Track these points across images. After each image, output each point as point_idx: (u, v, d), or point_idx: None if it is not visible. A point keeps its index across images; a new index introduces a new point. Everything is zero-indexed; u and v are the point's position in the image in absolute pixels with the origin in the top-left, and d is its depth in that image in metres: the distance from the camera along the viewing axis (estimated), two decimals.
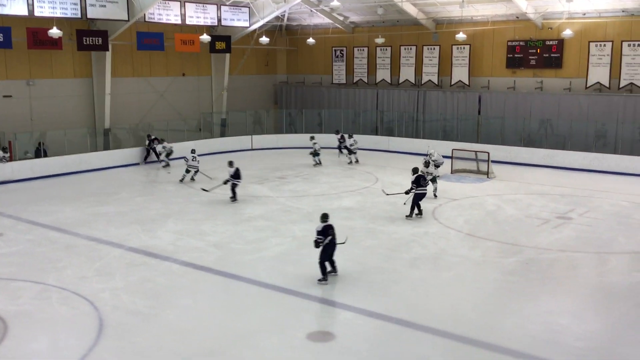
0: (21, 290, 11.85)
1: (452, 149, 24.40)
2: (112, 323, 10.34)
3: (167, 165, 25.10)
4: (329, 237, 11.92)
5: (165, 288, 12.03)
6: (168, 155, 25.28)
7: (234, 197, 19.11)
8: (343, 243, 12.21)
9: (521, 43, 27.18)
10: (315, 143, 25.15)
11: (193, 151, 22.72)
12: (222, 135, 31.34)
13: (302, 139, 30.52)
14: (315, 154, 25.04)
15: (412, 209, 16.93)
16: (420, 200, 16.90)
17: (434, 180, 19.21)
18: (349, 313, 10.78)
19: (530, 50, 27.00)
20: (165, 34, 27.88)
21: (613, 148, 24.62)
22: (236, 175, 19.12)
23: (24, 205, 18.63)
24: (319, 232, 11.98)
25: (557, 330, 10.06)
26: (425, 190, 16.98)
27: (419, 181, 16.77)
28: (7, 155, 22.52)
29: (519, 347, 9.45)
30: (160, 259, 13.65)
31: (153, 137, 26.26)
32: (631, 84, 24.61)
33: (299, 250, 14.37)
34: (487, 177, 22.70)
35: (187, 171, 22.17)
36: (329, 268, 12.22)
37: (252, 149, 29.92)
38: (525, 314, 10.73)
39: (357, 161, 25.61)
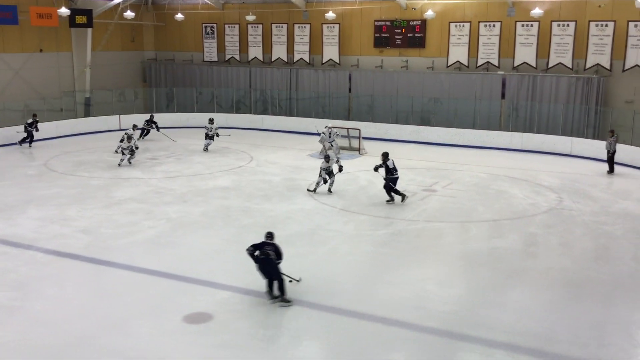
0: None
1: (325, 126, 24.84)
2: None
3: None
4: (258, 252, 10.37)
5: (29, 278, 11.32)
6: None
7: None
8: (297, 281, 10.87)
9: (387, 23, 28.07)
10: (212, 127, 23.74)
11: (211, 120, 23.83)
12: (87, 115, 29.68)
13: (175, 118, 29.76)
14: (209, 137, 23.67)
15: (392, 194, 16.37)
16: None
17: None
18: (226, 292, 10.75)
19: (395, 30, 27.95)
20: (20, 6, 25.79)
21: (472, 124, 26.28)
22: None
23: None
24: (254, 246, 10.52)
25: (424, 297, 10.66)
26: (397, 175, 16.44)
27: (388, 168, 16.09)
28: None
29: (390, 315, 9.92)
30: (23, 248, 12.80)
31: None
32: (487, 62, 26.27)
33: (173, 232, 14.05)
34: (359, 153, 23.42)
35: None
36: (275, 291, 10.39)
37: (120, 129, 28.64)
38: (396, 282, 11.27)
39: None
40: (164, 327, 9.50)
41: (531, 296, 10.77)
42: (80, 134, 27.06)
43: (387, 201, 16.51)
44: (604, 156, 20.89)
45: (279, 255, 10.35)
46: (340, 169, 17.93)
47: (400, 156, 22.90)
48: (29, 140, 24.02)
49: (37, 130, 24.20)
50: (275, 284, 10.31)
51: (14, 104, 26.43)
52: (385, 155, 16.52)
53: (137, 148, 21.41)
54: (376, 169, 16.72)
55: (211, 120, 24.02)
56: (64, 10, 26.24)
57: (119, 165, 20.69)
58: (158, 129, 26.48)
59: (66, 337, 9.16)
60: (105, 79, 31.16)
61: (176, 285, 11.11)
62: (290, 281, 10.60)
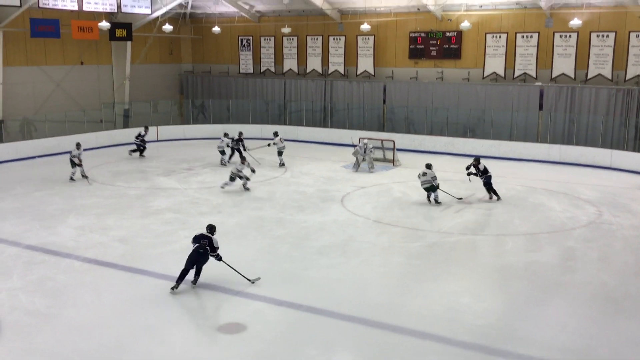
0: None
1: (359, 138, 24.83)
2: (9, 324, 9.83)
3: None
4: (197, 245, 11.38)
5: (66, 286, 11.55)
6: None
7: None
8: (252, 282, 11.60)
9: (422, 34, 27.99)
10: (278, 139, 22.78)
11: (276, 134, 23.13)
12: (126, 126, 30.29)
13: (210, 129, 30.13)
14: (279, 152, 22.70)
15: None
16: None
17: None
18: (259, 303, 10.79)
19: (431, 42, 27.85)
20: (62, 20, 26.52)
21: (509, 135, 25.95)
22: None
23: None
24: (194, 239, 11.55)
25: (459, 310, 10.52)
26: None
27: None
28: None
29: (423, 328, 9.82)
30: (61, 256, 13.08)
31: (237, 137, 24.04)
32: (524, 74, 25.96)
33: None
34: (393, 164, 23.32)
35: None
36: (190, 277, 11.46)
37: (157, 140, 29.16)
38: (429, 295, 11.16)
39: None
40: (198, 336, 9.58)
41: (569, 311, 10.53)
42: (119, 145, 27.57)
43: (490, 198, 18.08)
44: None
45: (213, 248, 11.43)
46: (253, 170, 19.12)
47: (434, 168, 22.77)
48: (140, 150, 24.98)
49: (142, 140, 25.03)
50: (191, 273, 11.34)
51: (56, 115, 27.13)
52: (476, 160, 18.31)
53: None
54: (469, 173, 18.43)
55: (276, 134, 23.21)
56: (105, 24, 26.90)
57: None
58: (245, 148, 23.84)
59: (101, 343, 9.31)
60: (144, 91, 31.78)
61: (210, 295, 11.20)
62: (251, 281, 11.56)
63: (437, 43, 27.67)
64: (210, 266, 12.50)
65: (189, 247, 13.71)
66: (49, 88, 27.96)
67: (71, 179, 20.33)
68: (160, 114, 31.85)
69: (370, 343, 9.43)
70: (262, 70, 32.42)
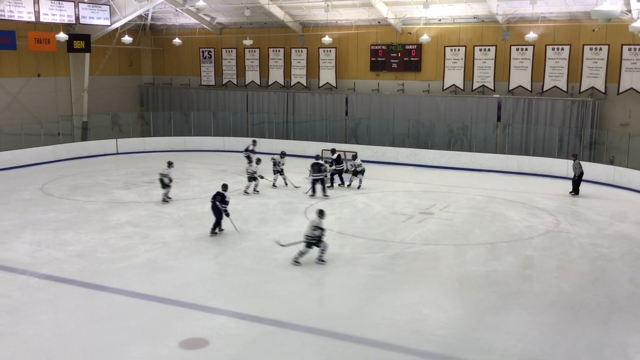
0: None
1: (322, 149, 24.93)
2: None
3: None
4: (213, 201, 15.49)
5: (22, 303, 11.24)
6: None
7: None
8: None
9: (383, 47, 28.29)
10: (281, 160, 21.60)
11: (283, 154, 22.14)
12: (84, 139, 29.74)
13: (171, 142, 29.84)
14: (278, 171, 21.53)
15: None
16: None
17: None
18: (221, 317, 10.67)
19: (391, 54, 28.17)
20: (18, 32, 26.02)
21: (468, 146, 26.38)
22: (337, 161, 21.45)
23: None
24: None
25: (421, 320, 10.60)
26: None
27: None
28: None
29: (386, 338, 9.85)
30: (17, 273, 12.72)
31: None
32: (483, 86, 26.46)
33: (169, 256, 13.99)
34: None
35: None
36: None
37: (117, 153, 28.72)
38: (392, 305, 11.21)
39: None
40: (159, 353, 9.41)
41: (528, 319, 10.70)
42: (78, 158, 27.09)
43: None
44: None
45: (223, 202, 15.29)
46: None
47: (396, 179, 23.07)
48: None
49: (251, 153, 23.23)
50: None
51: (12, 128, 26.47)
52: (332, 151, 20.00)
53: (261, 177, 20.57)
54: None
55: (283, 155, 22.05)
56: (62, 36, 26.46)
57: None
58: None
59: None
60: (103, 103, 31.28)
61: (171, 310, 11.03)
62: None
63: (398, 56, 28.00)
64: (168, 280, 12.34)
65: (150, 261, 13.57)
66: (5, 100, 27.31)
67: (164, 200, 19.14)
68: (120, 126, 31.40)
69: (334, 355, 9.41)
70: (224, 82, 32.30)
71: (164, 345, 9.61)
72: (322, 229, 13.24)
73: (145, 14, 31.01)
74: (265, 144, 29.40)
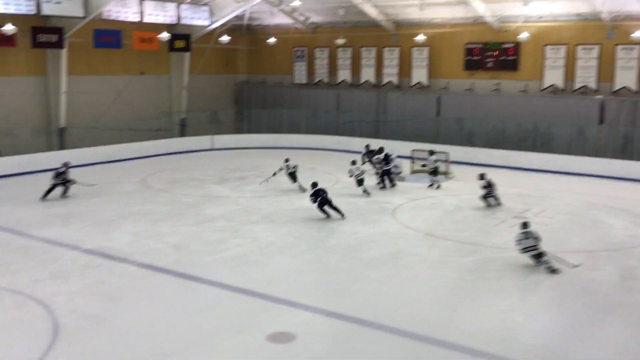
0: None
1: (412, 150, 24.67)
2: (67, 327, 10.12)
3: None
4: (319, 197, 16.68)
5: (121, 291, 11.83)
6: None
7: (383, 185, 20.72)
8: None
9: (479, 45, 27.61)
10: (350, 169, 20.31)
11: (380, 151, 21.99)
12: (182, 135, 30.99)
13: (263, 139, 30.48)
14: (359, 180, 20.02)
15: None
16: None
17: (360, 182, 19.88)
18: (308, 313, 10.78)
19: (487, 53, 27.43)
20: (124, 31, 27.41)
21: (567, 149, 25.25)
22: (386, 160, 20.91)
23: None
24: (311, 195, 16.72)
25: (513, 328, 10.25)
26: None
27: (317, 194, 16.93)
28: None
29: (475, 345, 9.60)
30: (117, 261, 13.42)
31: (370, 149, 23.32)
32: (584, 86, 25.25)
33: (259, 251, 14.30)
34: (446, 177, 23.00)
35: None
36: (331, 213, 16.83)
37: (212, 149, 29.67)
38: (482, 312, 10.91)
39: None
40: (248, 345, 9.64)
41: (628, 333, 10.11)
42: (176, 153, 28.22)
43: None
44: None
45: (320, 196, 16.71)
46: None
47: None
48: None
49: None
50: (331, 211, 16.79)
51: (116, 123, 27.98)
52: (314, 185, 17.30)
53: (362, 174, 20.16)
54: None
55: (354, 162, 20.54)
56: (165, 35, 27.64)
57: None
58: (370, 161, 22.87)
59: (153, 350, 9.48)
60: (200, 101, 32.42)
61: (259, 304, 11.26)
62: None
63: (494, 55, 27.24)
64: (257, 274, 12.61)
65: (240, 255, 13.93)
66: (110, 97, 28.86)
67: (301, 188, 20.07)
68: (216, 123, 32.45)
69: (419, 358, 9.28)
70: (315, 81, 32.62)
71: (252, 337, 9.83)
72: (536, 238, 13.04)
73: (242, 14, 31.83)
74: (356, 143, 29.43)
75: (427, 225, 16.59)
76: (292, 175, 20.65)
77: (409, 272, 13.00)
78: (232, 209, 18.18)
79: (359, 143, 29.14)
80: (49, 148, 25.66)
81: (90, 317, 10.56)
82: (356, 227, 16.36)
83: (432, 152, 22.00)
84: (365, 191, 19.77)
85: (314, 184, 17.06)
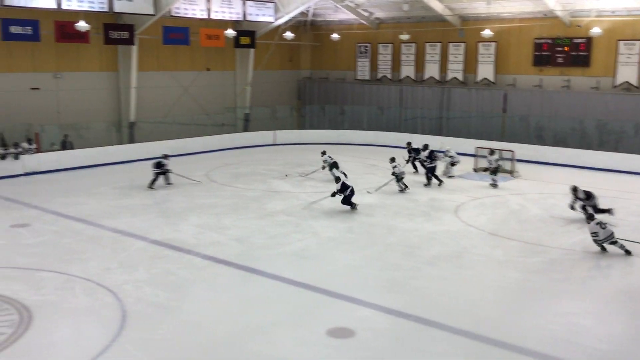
0: (45, 280, 12.05)
1: (476, 147, 24.21)
2: (134, 314, 10.47)
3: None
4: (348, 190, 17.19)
5: (186, 281, 12.15)
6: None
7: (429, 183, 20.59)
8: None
9: (548, 41, 26.81)
10: (395, 166, 20.02)
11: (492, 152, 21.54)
12: (245, 130, 31.47)
13: (326, 134, 30.58)
14: (398, 177, 19.86)
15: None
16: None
17: (400, 179, 19.77)
18: (367, 310, 10.76)
19: (557, 48, 26.60)
20: (191, 28, 28.05)
21: None
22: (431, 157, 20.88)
23: (50, 197, 18.92)
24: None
25: (578, 332, 9.93)
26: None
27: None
28: (34, 147, 22.86)
29: (539, 348, 9.35)
30: (183, 252, 13.78)
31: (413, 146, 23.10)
32: None
33: (318, 246, 14.39)
34: (512, 175, 22.47)
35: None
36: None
37: (274, 144, 30.01)
38: (547, 314, 10.62)
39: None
40: (308, 338, 9.72)
41: None
42: (239, 148, 28.69)
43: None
44: None
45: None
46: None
47: (557, 180, 21.75)
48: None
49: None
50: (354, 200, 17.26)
51: (182, 118, 28.70)
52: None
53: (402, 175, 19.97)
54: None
55: (393, 159, 20.37)
56: (230, 32, 28.12)
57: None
58: (414, 159, 23.11)
59: (215, 339, 9.69)
60: (264, 96, 32.84)
61: (319, 299, 11.33)
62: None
63: (565, 50, 26.39)
64: (316, 269, 12.67)
65: (300, 250, 14.05)
66: (178, 92, 29.60)
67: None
68: (278, 118, 32.81)
69: (482, 359, 9.12)
70: (378, 77, 32.46)
71: (312, 331, 9.90)
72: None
73: (306, 11, 32.00)
74: (419, 140, 29.15)
75: (490, 224, 16.26)
76: (334, 165, 20.68)
77: (471, 272, 12.79)
78: (293, 204, 18.33)
79: (421, 140, 28.90)
80: (120, 142, 26.58)
81: (157, 305, 10.89)
82: (418, 224, 16.21)
83: (492, 152, 21.60)
84: (402, 189, 19.83)
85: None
